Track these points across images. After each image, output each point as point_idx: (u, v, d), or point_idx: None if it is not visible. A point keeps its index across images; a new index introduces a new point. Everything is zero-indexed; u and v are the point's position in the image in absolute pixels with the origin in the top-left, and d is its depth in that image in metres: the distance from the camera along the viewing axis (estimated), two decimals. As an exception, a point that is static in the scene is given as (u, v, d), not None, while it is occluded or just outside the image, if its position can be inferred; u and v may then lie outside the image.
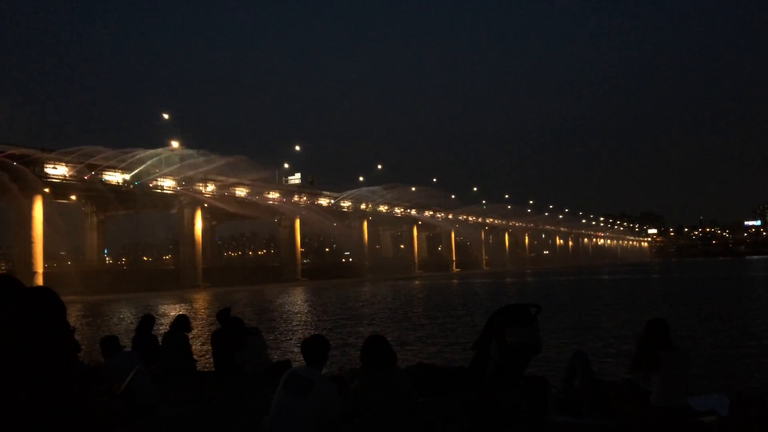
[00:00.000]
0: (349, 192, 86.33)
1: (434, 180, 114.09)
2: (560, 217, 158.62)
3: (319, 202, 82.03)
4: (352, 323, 23.03)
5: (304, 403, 4.34)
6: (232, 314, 9.50)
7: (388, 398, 4.53)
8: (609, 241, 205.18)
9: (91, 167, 53.70)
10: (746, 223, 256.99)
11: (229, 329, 9.18)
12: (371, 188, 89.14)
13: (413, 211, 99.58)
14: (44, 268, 50.82)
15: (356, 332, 19.47)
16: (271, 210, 75.14)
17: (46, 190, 51.07)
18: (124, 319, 29.04)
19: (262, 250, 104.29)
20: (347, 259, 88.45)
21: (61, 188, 53.86)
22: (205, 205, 65.81)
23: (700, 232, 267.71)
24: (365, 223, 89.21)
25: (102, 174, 55.69)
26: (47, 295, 2.23)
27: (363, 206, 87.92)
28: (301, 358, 4.83)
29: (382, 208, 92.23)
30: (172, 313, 26.84)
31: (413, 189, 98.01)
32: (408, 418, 4.57)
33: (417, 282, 65.84)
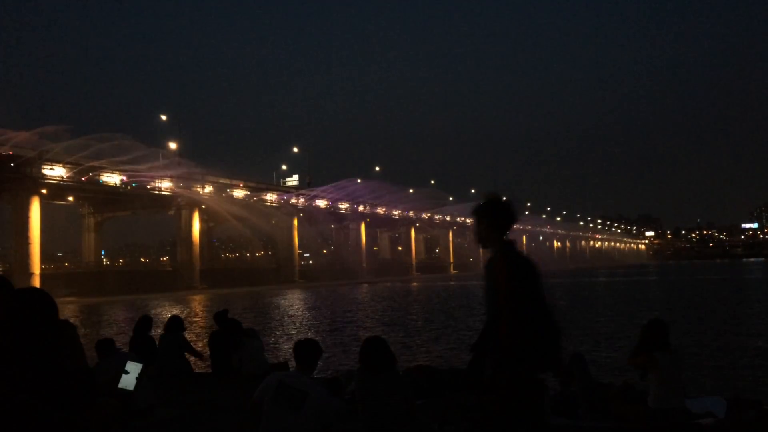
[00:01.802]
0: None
1: (432, 182, 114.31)
2: (557, 219, 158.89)
3: (317, 203, 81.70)
4: (350, 325, 23.00)
5: (298, 417, 4.23)
6: (230, 316, 9.48)
7: (386, 400, 4.52)
8: (606, 244, 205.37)
9: (89, 168, 53.59)
10: (743, 225, 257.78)
11: (227, 331, 9.16)
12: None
13: (411, 213, 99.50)
14: (41, 269, 50.70)
15: (354, 334, 19.45)
16: (269, 212, 74.99)
17: (44, 191, 50.96)
18: (121, 320, 28.94)
19: (260, 252, 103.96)
20: (346, 260, 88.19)
21: (58, 189, 53.73)
22: (203, 206, 65.70)
23: (698, 234, 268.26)
24: (363, 225, 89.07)
25: (99, 175, 55.58)
26: (39, 296, 2.20)
27: (361, 208, 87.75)
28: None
29: (380, 210, 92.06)
30: (170, 314, 26.75)
31: (411, 191, 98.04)
32: (405, 420, 4.56)
33: (414, 284, 65.78)
